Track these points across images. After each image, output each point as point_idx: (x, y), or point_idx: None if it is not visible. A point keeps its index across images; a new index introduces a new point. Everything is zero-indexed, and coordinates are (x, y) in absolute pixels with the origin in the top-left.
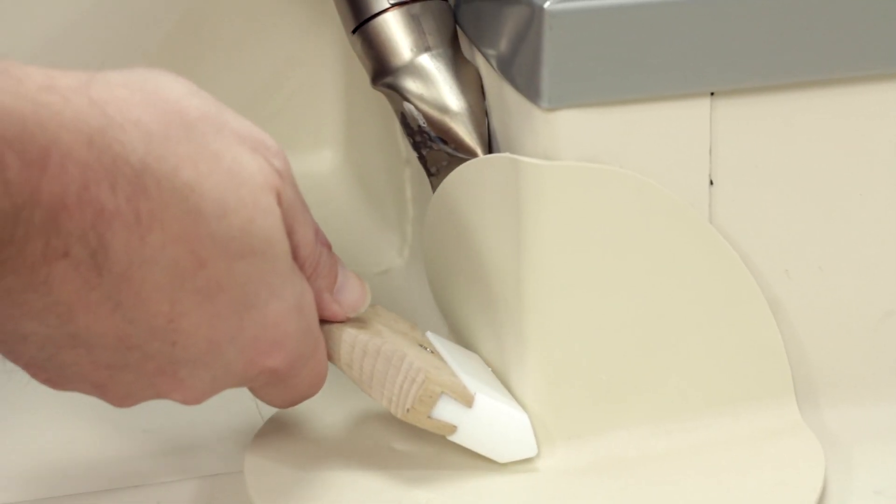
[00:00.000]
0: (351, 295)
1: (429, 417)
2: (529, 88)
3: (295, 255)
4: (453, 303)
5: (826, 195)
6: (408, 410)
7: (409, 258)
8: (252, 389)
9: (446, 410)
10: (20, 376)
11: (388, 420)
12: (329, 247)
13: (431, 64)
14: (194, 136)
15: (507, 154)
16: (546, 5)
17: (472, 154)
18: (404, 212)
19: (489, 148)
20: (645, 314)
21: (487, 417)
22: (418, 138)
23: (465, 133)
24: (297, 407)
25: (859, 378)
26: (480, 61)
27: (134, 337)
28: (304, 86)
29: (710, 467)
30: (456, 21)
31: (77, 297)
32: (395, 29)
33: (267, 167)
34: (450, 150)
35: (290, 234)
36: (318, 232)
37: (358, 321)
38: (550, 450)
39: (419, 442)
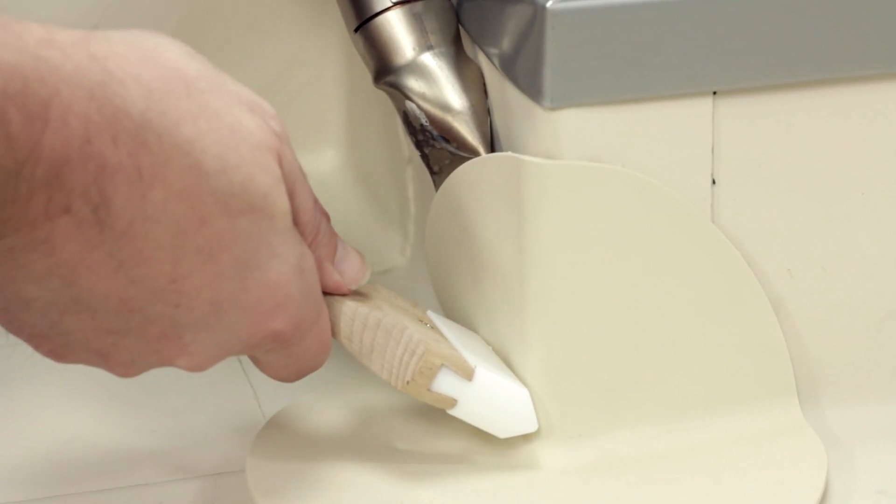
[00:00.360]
0: (351, 266)
1: (428, 390)
2: (532, 87)
3: (295, 220)
4: (456, 302)
5: (828, 194)
6: (408, 382)
7: (411, 257)
8: (257, 361)
9: (446, 383)
10: (22, 370)
11: (391, 419)
12: (328, 218)
13: (433, 62)
14: (194, 93)
15: (510, 153)
16: (548, 4)
17: (474, 153)
18: (406, 211)
19: (491, 147)
20: (647, 314)
21: (487, 391)
22: (420, 137)
23: (468, 132)
24: (298, 406)
25: (861, 377)
26: (483, 60)
27: (136, 299)
28: (306, 86)
29: (712, 467)
30: (458, 20)
31: (79, 256)
32: (398, 28)
33: (266, 128)
34: (452, 149)
35: (290, 197)
36: (316, 202)
37: (358, 295)
38: (552, 449)
39: (421, 441)
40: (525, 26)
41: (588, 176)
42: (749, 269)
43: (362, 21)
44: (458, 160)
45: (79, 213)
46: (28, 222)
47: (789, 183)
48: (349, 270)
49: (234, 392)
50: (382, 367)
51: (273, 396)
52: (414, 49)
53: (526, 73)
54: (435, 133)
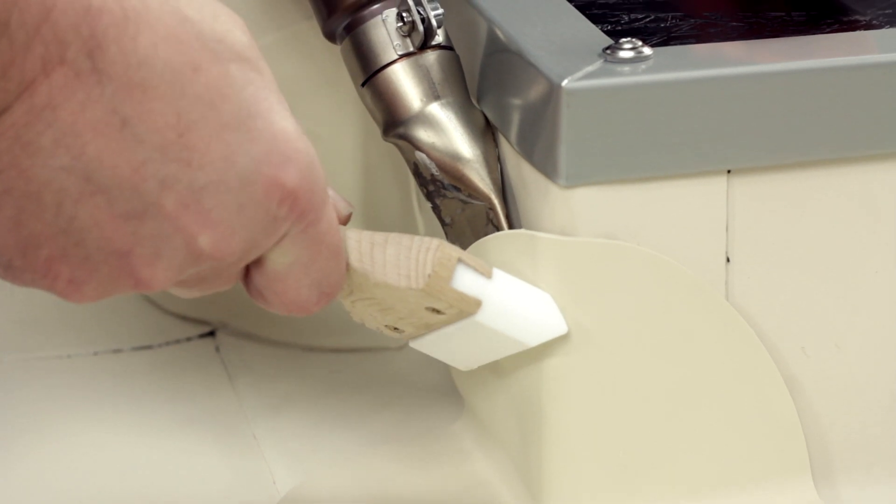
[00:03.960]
0: (335, 193)
1: (451, 288)
2: (547, 165)
3: None
4: (471, 380)
5: (842, 273)
6: (429, 276)
7: None
8: (276, 275)
9: (467, 280)
10: (23, 455)
11: (406, 493)
12: None
13: (442, 113)
14: None
15: (524, 230)
16: (564, 83)
17: (486, 199)
18: None
19: (503, 194)
20: (661, 392)
21: (510, 291)
22: (431, 188)
23: (479, 179)
24: (313, 480)
25: (876, 456)
26: (498, 136)
27: (148, 163)
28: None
29: None
30: (477, 102)
31: (82, 117)
32: (404, 79)
33: (227, 7)
34: (463, 198)
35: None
36: None
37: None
38: None
39: None
40: (540, 104)
41: (603, 253)
42: (763, 346)
43: (369, 75)
44: (470, 209)
45: (75, 63)
46: (27, 84)
47: (803, 261)
48: (336, 196)
49: (248, 467)
50: (399, 275)
51: (288, 471)
52: (421, 100)
53: (541, 150)
54: (446, 182)
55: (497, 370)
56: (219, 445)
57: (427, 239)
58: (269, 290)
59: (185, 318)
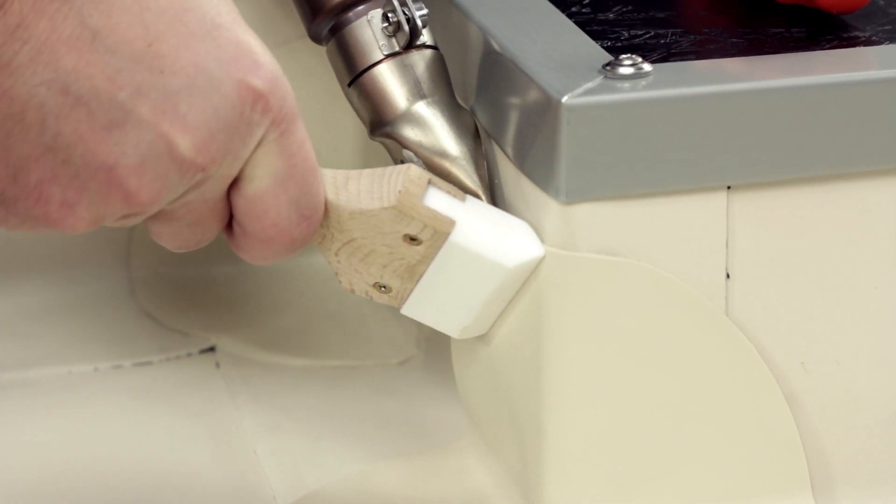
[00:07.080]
0: None
1: (423, 205)
2: (546, 181)
3: None
4: (473, 392)
5: (842, 288)
6: (399, 192)
7: (427, 348)
8: (256, 197)
9: (439, 200)
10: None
11: None
12: None
13: (428, 111)
14: None
15: None
16: (564, 99)
17: (473, 196)
18: None
19: (490, 191)
20: (661, 407)
21: (483, 212)
22: None
23: (466, 176)
24: (314, 496)
25: (876, 472)
26: (497, 151)
27: (122, 72)
28: None
29: None
30: (472, 111)
31: (54, 32)
32: (390, 79)
33: None
34: None
35: None
36: None
37: None
38: None
39: None
40: (539, 120)
41: (603, 269)
42: (763, 362)
43: (355, 75)
44: None
45: None
46: None
47: (803, 277)
48: None
49: (248, 483)
50: (372, 199)
51: (288, 487)
52: (407, 99)
53: (540, 166)
54: None
55: (501, 390)
56: (219, 461)
57: (400, 165)
58: (250, 216)
59: (185, 334)
